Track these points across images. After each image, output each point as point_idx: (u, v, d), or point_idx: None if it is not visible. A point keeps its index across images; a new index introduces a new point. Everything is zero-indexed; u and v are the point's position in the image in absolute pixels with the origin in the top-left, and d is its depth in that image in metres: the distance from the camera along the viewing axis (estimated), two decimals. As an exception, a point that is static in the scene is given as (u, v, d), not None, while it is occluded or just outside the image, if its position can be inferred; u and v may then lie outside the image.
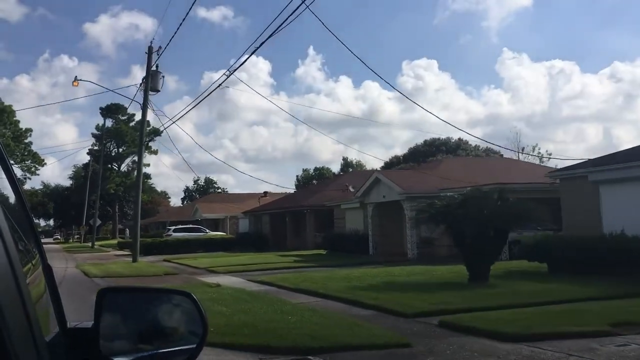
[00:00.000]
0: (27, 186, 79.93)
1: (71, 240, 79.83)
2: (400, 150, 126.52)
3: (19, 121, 72.71)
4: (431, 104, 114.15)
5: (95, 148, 77.69)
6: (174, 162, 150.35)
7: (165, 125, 44.72)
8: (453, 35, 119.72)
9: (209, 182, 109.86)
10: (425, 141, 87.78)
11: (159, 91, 28.15)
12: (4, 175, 1.17)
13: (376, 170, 31.23)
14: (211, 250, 35.53)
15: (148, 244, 35.90)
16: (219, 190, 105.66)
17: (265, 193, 48.24)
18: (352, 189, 31.11)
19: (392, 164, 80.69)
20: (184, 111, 61.85)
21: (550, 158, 57.66)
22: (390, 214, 25.90)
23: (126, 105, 76.53)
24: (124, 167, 79.10)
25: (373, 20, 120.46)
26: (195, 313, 1.41)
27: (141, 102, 27.57)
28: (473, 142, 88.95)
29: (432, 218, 13.83)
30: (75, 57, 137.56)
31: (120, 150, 78.24)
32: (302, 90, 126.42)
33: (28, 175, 74.50)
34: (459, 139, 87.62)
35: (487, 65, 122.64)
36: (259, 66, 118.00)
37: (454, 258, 21.83)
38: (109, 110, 76.86)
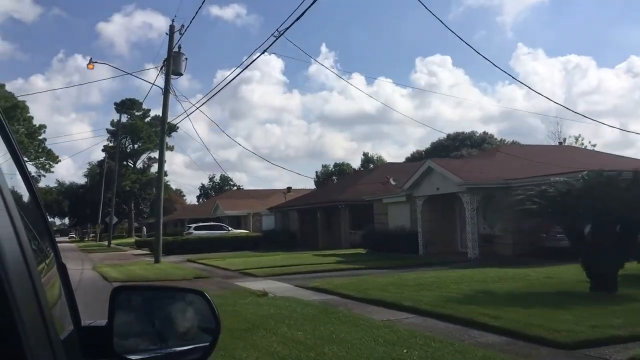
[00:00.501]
0: (41, 184, 77.86)
1: (86, 239, 77.64)
2: (413, 147, 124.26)
3: (32, 117, 70.63)
4: (445, 101, 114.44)
5: (110, 144, 75.38)
6: (186, 160, 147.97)
7: (189, 112, 42.06)
8: (467, 31, 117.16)
9: (225, 180, 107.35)
10: (448, 135, 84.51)
11: (181, 74, 25.37)
12: (18, 173, 1.14)
13: (429, 159, 28.12)
14: (236, 250, 32.74)
15: (168, 243, 33.32)
16: (235, 188, 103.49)
17: (289, 189, 45.39)
18: (393, 182, 28.14)
19: (414, 159, 77.76)
20: (208, 96, 59.14)
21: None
22: (442, 209, 22.90)
23: (141, 99, 74.44)
24: (139, 164, 76.73)
25: (386, 16, 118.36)
26: (208, 312, 1.40)
27: (162, 87, 24.82)
28: (498, 135, 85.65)
29: (542, 210, 10.81)
30: (89, 56, 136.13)
31: (136, 146, 75.86)
32: (315, 88, 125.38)
33: (42, 172, 72.42)
34: (484, 132, 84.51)
35: (501, 61, 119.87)
36: (272, 64, 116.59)
37: (522, 258, 18.86)
38: (124, 106, 74.47)
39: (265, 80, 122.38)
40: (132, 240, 61.97)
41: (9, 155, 1.06)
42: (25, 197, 1.19)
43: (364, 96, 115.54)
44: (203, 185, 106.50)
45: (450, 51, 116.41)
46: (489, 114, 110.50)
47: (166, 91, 24.68)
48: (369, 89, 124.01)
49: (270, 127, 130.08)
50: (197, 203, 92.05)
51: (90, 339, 1.29)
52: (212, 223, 40.57)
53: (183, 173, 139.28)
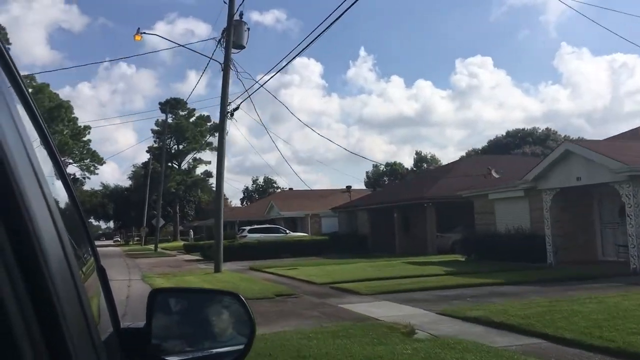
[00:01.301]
0: (86, 187, 75.77)
1: (131, 243, 74.89)
2: (453, 149, 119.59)
3: (77, 118, 68.28)
4: (486, 102, 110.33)
5: (155, 145, 72.46)
6: (228, 165, 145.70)
7: (254, 89, 37.89)
8: (510, 31, 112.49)
9: (269, 182, 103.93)
10: (507, 132, 78.77)
11: (244, 47, 21.07)
12: (57, 176, 1.15)
13: (565, 141, 22.85)
14: (298, 255, 28.32)
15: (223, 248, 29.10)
16: (279, 190, 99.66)
17: (349, 188, 40.72)
18: (495, 174, 23.19)
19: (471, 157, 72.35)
20: (277, 68, 55.13)
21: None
22: (577, 205, 17.81)
23: (188, 88, 71.41)
24: (184, 165, 73.48)
25: (427, 17, 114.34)
26: (243, 314, 1.40)
27: (221, 62, 20.56)
28: (562, 132, 79.29)
29: None
30: (133, 64, 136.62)
31: (181, 147, 72.69)
32: (354, 92, 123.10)
33: (87, 174, 70.04)
34: (547, 128, 78.24)
35: (544, 60, 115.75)
36: (311, 68, 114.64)
37: None
38: (169, 105, 71.49)
39: (304, 84, 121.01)
40: (178, 244, 58.49)
41: (48, 158, 1.06)
42: (65, 199, 1.17)
43: (403, 99, 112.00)
44: (247, 188, 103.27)
45: (492, 52, 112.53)
46: (532, 114, 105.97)
47: (226, 66, 20.41)
48: (407, 91, 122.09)
49: (309, 131, 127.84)
50: (241, 206, 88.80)
51: (129, 341, 1.29)
52: (267, 225, 36.29)
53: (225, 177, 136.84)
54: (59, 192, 1.11)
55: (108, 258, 29.22)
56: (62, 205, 1.07)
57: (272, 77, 69.77)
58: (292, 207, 39.85)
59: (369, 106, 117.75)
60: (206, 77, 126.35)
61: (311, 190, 45.50)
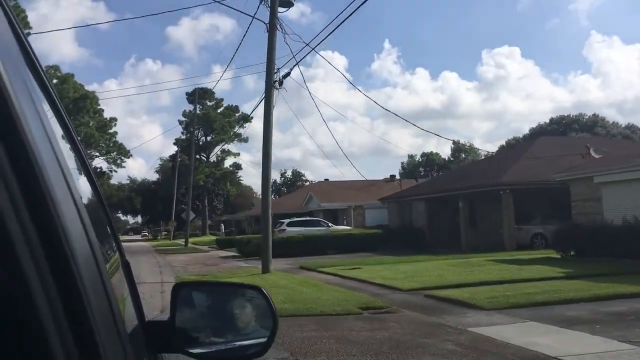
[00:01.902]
0: (113, 180, 73.44)
1: (159, 237, 72.30)
2: (480, 141, 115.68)
3: (102, 110, 65.82)
4: (513, 93, 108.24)
5: (182, 137, 69.68)
6: (253, 159, 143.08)
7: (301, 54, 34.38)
8: (539, 19, 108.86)
9: (297, 175, 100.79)
10: (551, 119, 74.11)
11: (292, 4, 17.53)
12: (81, 170, 1.14)
13: None
14: (348, 251, 24.81)
15: (227, 240, 26.14)
16: (307, 183, 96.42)
17: (393, 177, 36.95)
18: (595, 154, 19.30)
19: (511, 147, 68.13)
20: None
21: None
22: None
23: (212, 89, 68.38)
24: (212, 157, 70.45)
25: (452, 8, 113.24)
26: (266, 307, 1.39)
27: (266, 21, 17.04)
28: (610, 118, 74.41)
29: None
30: (159, 60, 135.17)
31: (209, 138, 69.64)
32: (379, 84, 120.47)
33: (114, 167, 67.53)
34: (594, 114, 73.19)
35: (574, 50, 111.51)
36: (335, 61, 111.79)
37: None
38: (196, 95, 68.52)
39: (329, 78, 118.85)
40: (208, 238, 55.56)
41: (72, 151, 1.05)
42: (90, 193, 1.17)
43: (428, 91, 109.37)
44: (274, 182, 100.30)
45: (520, 41, 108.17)
46: (561, 105, 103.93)
47: (271, 26, 16.87)
48: (433, 83, 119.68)
49: (334, 124, 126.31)
50: (273, 198, 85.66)
51: (153, 333, 1.30)
52: (307, 218, 32.83)
53: (248, 171, 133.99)
54: (84, 186, 1.09)
55: (137, 255, 26.12)
56: (87, 199, 1.06)
57: (323, 40, 66.20)
58: (333, 199, 36.25)
59: (394, 99, 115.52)
60: (230, 73, 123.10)
61: (350, 180, 41.91)
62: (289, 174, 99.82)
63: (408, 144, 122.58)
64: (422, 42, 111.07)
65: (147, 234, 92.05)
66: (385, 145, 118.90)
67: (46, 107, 0.84)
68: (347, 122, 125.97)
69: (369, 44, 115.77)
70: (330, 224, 31.81)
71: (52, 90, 0.94)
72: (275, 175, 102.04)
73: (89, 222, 0.82)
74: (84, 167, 1.17)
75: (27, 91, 0.67)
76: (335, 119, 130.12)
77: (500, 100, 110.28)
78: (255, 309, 1.45)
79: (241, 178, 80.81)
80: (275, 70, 16.68)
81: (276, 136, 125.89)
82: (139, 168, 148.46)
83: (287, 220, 31.91)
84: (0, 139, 0.51)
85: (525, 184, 20.85)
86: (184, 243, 44.95)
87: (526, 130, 74.72)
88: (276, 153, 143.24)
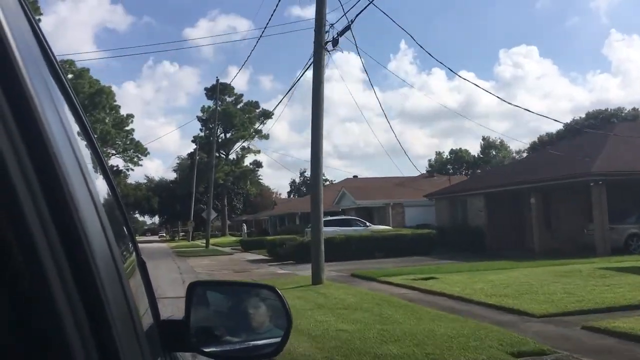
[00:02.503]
0: (130, 180, 70.60)
1: (177, 238, 69.22)
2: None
3: (119, 106, 62.96)
4: (531, 93, 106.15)
5: (201, 135, 66.61)
6: (268, 160, 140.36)
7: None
8: (558, 18, 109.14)
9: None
10: (587, 114, 69.72)
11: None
12: (98, 169, 1.12)
13: None
14: (395, 255, 21.25)
15: (296, 245, 22.77)
16: (328, 183, 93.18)
17: (431, 173, 33.22)
18: None
19: (544, 143, 64.11)
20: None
21: None
22: None
23: (231, 84, 65.15)
24: (232, 155, 67.23)
25: (470, 6, 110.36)
26: (280, 307, 1.37)
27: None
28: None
29: None
30: (176, 62, 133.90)
31: (228, 135, 66.40)
32: (395, 85, 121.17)
33: (130, 166, 64.73)
34: (634, 109, 68.73)
35: (593, 48, 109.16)
36: (352, 62, 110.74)
37: None
38: (215, 91, 65.47)
39: (345, 78, 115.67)
40: (228, 239, 52.39)
41: (89, 149, 1.04)
42: (106, 192, 1.15)
43: (444, 91, 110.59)
44: (294, 181, 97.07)
45: (537, 40, 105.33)
46: (580, 104, 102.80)
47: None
48: (449, 83, 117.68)
49: (349, 125, 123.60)
50: (294, 198, 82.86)
51: (168, 332, 1.29)
52: (343, 217, 29.32)
53: (264, 172, 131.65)
54: (101, 185, 1.09)
55: (155, 258, 22.81)
56: (104, 198, 1.05)
57: None
58: (369, 196, 32.63)
59: (410, 99, 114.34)
60: (244, 75, 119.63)
61: (382, 177, 38.31)
62: (308, 173, 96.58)
63: (424, 144, 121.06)
64: (438, 43, 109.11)
65: (164, 234, 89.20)
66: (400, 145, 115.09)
67: (65, 106, 0.83)
68: (363, 122, 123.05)
69: (385, 43, 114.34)
70: (368, 224, 28.28)
71: (69, 88, 0.95)
72: (294, 175, 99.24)
73: (107, 221, 0.82)
74: (101, 165, 1.16)
75: (47, 91, 0.67)
76: (351, 120, 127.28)
77: (518, 99, 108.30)
78: (270, 309, 1.43)
79: (260, 177, 77.64)
80: (326, 29, 13.15)
81: (291, 137, 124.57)
82: (155, 169, 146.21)
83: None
84: (23, 140, 0.51)
85: (623, 173, 17.09)
86: (204, 244, 41.66)
87: (549, 130, 71.21)
88: (293, 153, 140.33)
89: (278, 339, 1.32)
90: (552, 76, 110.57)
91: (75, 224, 0.58)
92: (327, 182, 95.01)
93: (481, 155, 68.88)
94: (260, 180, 78.28)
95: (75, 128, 0.88)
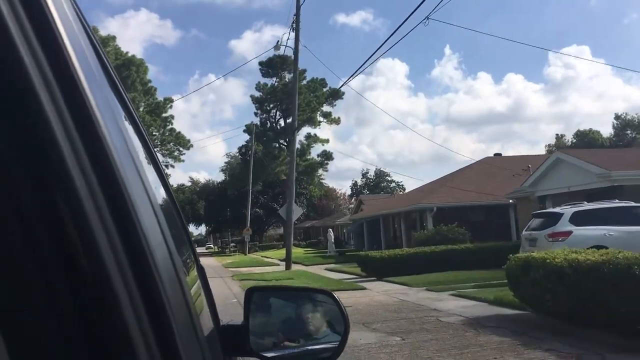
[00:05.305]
0: (171, 180, 56.75)
1: (227, 251, 54.31)
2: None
3: (155, 89, 48.92)
4: (583, 94, 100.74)
5: (256, 123, 51.85)
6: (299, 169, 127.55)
7: None
8: (614, 15, 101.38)
9: (381, 175, 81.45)
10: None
11: None
12: (153, 171, 1.05)
13: None
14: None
15: (386, 260, 8.31)
16: (393, 185, 77.41)
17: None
18: None
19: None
20: None
21: None
22: None
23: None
24: (296, 144, 51.89)
25: (521, 7, 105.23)
26: (337, 312, 1.36)
27: None
28: None
29: None
30: (222, 74, 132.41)
31: (289, 120, 51.10)
32: (440, 91, 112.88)
33: (171, 161, 50.48)
34: None
35: None
36: (396, 69, 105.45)
37: None
38: (271, 66, 50.91)
39: (390, 86, 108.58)
40: (299, 251, 37.34)
41: (144, 153, 0.99)
42: (163, 196, 1.13)
43: (491, 95, 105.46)
44: (355, 183, 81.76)
45: (589, 40, 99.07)
46: (636, 104, 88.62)
47: None
48: (496, 87, 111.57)
49: (394, 132, 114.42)
50: (351, 199, 67.88)
51: (228, 338, 1.29)
52: (616, 204, 13.29)
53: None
54: (158, 189, 1.05)
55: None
56: (162, 202, 1.02)
57: None
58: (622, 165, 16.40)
59: (456, 104, 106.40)
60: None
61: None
62: (371, 174, 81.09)
63: (470, 149, 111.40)
64: (483, 47, 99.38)
65: (211, 245, 74.96)
66: (445, 151, 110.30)
67: (125, 120, 0.84)
68: (408, 130, 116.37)
69: (430, 50, 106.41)
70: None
71: (127, 99, 0.94)
72: (356, 176, 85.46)
73: (166, 227, 0.82)
74: (156, 168, 1.12)
75: (108, 105, 0.67)
76: (395, 127, 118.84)
77: (569, 101, 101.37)
78: (327, 314, 1.41)
79: (323, 177, 62.38)
80: None
81: (335, 145, 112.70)
82: (201, 178, 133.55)
83: (563, 212, 12.52)
84: (85, 149, 0.52)
85: None
86: (269, 258, 26.32)
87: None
88: (336, 163, 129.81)
89: (335, 344, 1.30)
90: (605, 76, 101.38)
91: (138, 233, 0.59)
92: (393, 184, 78.96)
93: (613, 139, 51.79)
94: (322, 180, 63.27)
95: (135, 139, 0.88)
